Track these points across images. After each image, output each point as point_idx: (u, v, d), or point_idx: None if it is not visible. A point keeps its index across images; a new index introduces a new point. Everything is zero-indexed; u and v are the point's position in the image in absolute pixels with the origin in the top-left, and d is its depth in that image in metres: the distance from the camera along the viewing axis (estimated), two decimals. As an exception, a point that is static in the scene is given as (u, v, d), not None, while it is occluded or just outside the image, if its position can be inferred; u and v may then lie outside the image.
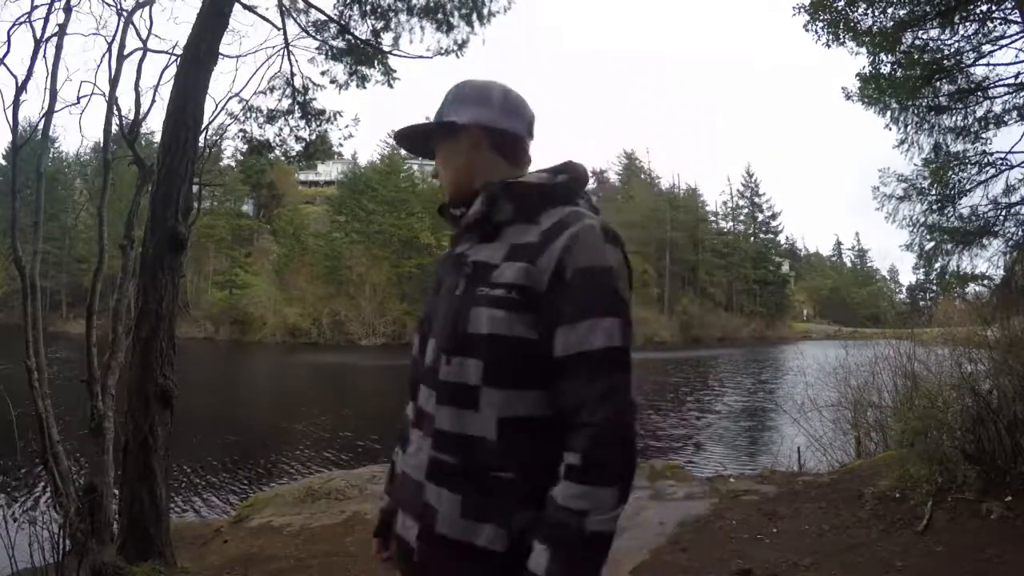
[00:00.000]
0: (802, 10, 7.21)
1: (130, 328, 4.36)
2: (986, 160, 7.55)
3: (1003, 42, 6.96)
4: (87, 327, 5.14)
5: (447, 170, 1.10)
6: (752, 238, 60.27)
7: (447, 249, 1.16)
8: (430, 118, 1.14)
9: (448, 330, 0.98)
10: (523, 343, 0.93)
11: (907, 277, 65.56)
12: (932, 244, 8.06)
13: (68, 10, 5.39)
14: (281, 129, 6.90)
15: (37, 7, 5.34)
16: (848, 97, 7.76)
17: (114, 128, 5.77)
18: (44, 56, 5.31)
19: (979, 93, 7.38)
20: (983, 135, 7.50)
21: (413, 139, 1.16)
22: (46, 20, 5.32)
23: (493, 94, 1.09)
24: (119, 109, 5.79)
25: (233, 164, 34.46)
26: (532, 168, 1.11)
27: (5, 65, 5.27)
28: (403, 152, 55.06)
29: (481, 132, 1.07)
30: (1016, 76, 7.12)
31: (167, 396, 3.95)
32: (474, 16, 5.89)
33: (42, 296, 7.39)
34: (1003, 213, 7.60)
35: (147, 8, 6.03)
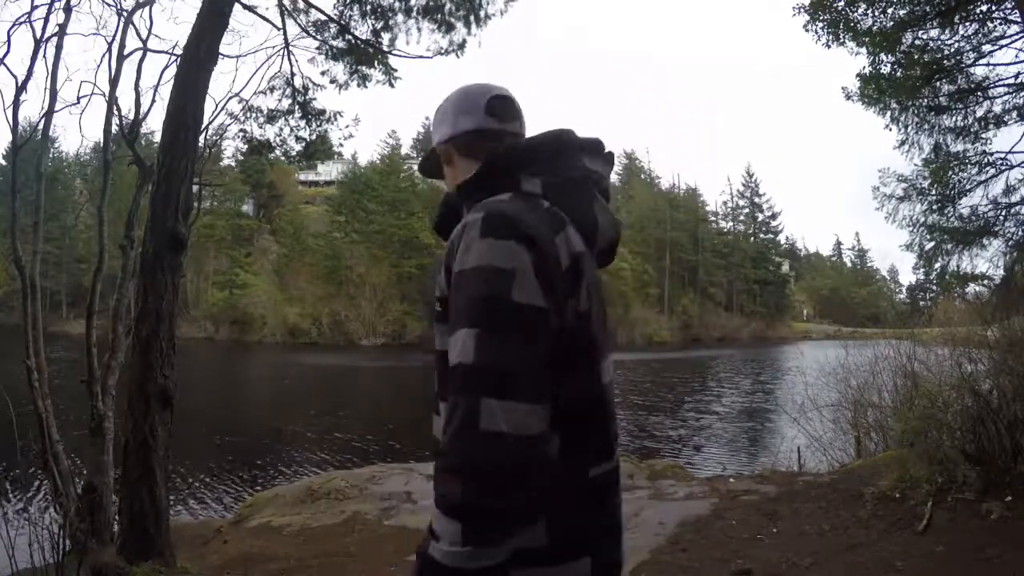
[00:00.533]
0: (802, 10, 7.21)
1: (130, 328, 4.37)
2: (986, 160, 7.55)
3: (1003, 42, 6.96)
4: (87, 327, 5.15)
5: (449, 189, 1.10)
6: (752, 238, 60.31)
7: None
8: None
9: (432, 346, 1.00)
10: (444, 355, 0.88)
11: (907, 277, 65.56)
12: (932, 244, 8.06)
13: (68, 10, 5.40)
14: (281, 129, 6.92)
15: (37, 7, 5.35)
16: (848, 97, 7.77)
17: (114, 128, 5.77)
18: (44, 56, 5.32)
19: (979, 93, 7.38)
20: (983, 135, 7.51)
21: (434, 170, 1.16)
22: (46, 20, 5.33)
23: (448, 104, 1.08)
24: (119, 109, 5.80)
25: (233, 164, 34.46)
26: None
27: (5, 65, 5.28)
28: (403, 152, 55.28)
29: (447, 146, 1.06)
30: (1016, 76, 7.13)
31: (167, 396, 3.95)
32: (471, 17, 5.92)
33: (42, 296, 7.39)
34: (1003, 213, 7.60)
35: (147, 8, 6.04)
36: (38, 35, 5.30)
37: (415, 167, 49.89)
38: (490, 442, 0.74)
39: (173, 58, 5.75)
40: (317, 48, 6.37)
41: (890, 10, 6.98)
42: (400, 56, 6.21)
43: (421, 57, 6.08)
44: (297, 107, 6.74)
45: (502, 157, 0.95)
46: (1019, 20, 6.67)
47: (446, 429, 0.77)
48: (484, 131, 1.03)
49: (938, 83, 7.38)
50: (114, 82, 5.70)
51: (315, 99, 6.77)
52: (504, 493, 0.74)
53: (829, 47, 7.22)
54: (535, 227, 0.83)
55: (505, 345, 0.76)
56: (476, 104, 1.04)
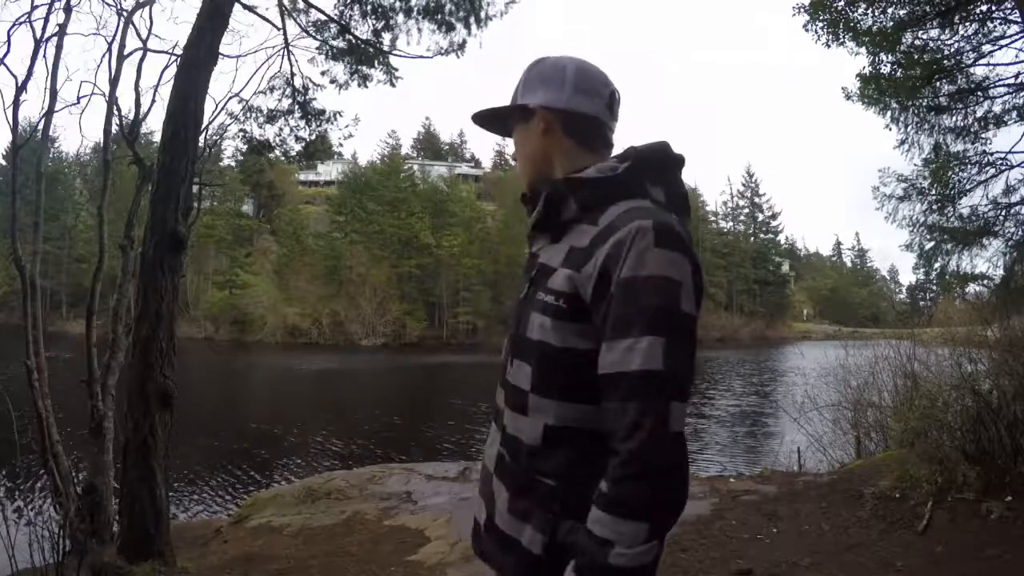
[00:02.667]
0: (802, 10, 7.20)
1: (130, 328, 4.37)
2: (986, 160, 7.54)
3: (1003, 42, 6.95)
4: (87, 327, 5.15)
5: (521, 155, 1.06)
6: (752, 238, 60.29)
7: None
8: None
9: (512, 332, 0.99)
10: (572, 353, 0.88)
11: (907, 277, 65.63)
12: (932, 244, 8.05)
13: (68, 10, 5.41)
14: (281, 129, 6.92)
15: (37, 7, 5.36)
16: (848, 97, 7.75)
17: (114, 128, 5.78)
18: (44, 56, 5.33)
19: (979, 93, 7.37)
20: (983, 135, 7.49)
21: (492, 121, 1.11)
22: (46, 20, 5.34)
23: (566, 72, 1.00)
24: (119, 109, 5.81)
25: (233, 164, 34.45)
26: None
27: (5, 65, 5.29)
28: (403, 152, 55.18)
29: (551, 115, 0.99)
30: (1016, 76, 7.12)
31: (167, 396, 3.95)
32: (471, 19, 5.92)
33: (42, 296, 7.39)
34: (1003, 213, 7.59)
35: (147, 8, 6.05)
36: (38, 35, 5.31)
37: (416, 167, 50.06)
38: (677, 442, 0.83)
39: (173, 58, 5.77)
40: (317, 48, 6.38)
41: (890, 10, 6.97)
42: (400, 56, 6.22)
43: (421, 57, 6.09)
44: (297, 107, 6.75)
45: (652, 162, 0.96)
46: (1019, 20, 6.66)
47: (634, 433, 0.80)
48: (601, 123, 1.01)
49: (938, 83, 7.37)
50: (114, 82, 5.70)
51: (315, 99, 6.79)
52: (685, 486, 0.85)
53: (829, 47, 7.21)
54: (689, 239, 0.90)
55: (682, 352, 0.82)
56: (598, 91, 1.00)
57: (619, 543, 0.79)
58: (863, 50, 7.19)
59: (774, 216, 60.97)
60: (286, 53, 6.35)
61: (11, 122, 5.19)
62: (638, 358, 0.80)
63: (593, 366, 0.85)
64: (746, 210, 60.90)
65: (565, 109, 0.99)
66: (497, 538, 0.98)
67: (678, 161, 1.01)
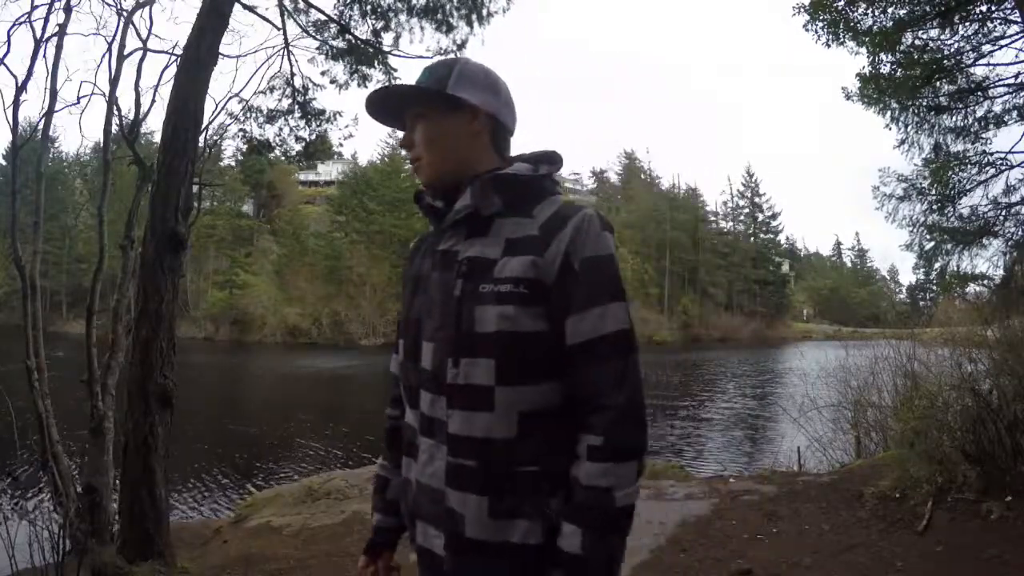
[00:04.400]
0: (802, 10, 7.21)
1: (130, 328, 4.37)
2: (986, 160, 7.55)
3: (1003, 42, 6.96)
4: (87, 327, 5.16)
5: (433, 149, 1.01)
6: (752, 238, 60.27)
7: (418, 245, 1.12)
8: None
9: (450, 332, 0.95)
10: (533, 336, 0.92)
11: (907, 277, 65.57)
12: (932, 244, 8.07)
13: (68, 10, 5.42)
14: (281, 129, 6.92)
15: (37, 7, 5.37)
16: (848, 97, 7.77)
17: (114, 128, 5.78)
18: (44, 56, 5.34)
19: (979, 93, 7.38)
20: (983, 135, 7.51)
21: (388, 101, 1.06)
22: (46, 20, 5.35)
23: (500, 84, 1.05)
24: (119, 109, 5.82)
25: (233, 164, 34.45)
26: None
27: (5, 65, 5.30)
28: (404, 152, 55.29)
29: (489, 120, 1.02)
30: (1016, 76, 7.13)
31: (167, 396, 3.94)
32: (473, 16, 5.91)
33: (42, 296, 7.39)
34: (1003, 213, 7.60)
35: (147, 8, 6.06)
36: (38, 35, 5.32)
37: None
38: (642, 386, 0.94)
39: (173, 58, 5.79)
40: (317, 48, 6.38)
41: (890, 10, 6.98)
42: (400, 56, 6.22)
43: (421, 57, 6.08)
44: (297, 107, 6.75)
45: (561, 166, 1.06)
46: (1019, 20, 6.67)
47: (620, 388, 0.91)
48: (510, 135, 1.08)
49: (938, 83, 7.38)
50: (114, 82, 5.71)
51: (315, 99, 6.79)
52: (648, 428, 0.95)
53: (829, 47, 7.24)
54: None
55: (629, 311, 0.96)
56: (512, 107, 1.07)
57: (618, 487, 0.89)
58: (863, 50, 7.21)
59: (774, 216, 60.95)
60: (286, 53, 6.36)
61: (11, 122, 5.20)
62: (610, 321, 0.92)
63: (551, 345, 0.92)
64: (746, 210, 60.87)
65: (496, 116, 1.03)
66: (474, 552, 0.94)
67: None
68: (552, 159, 1.03)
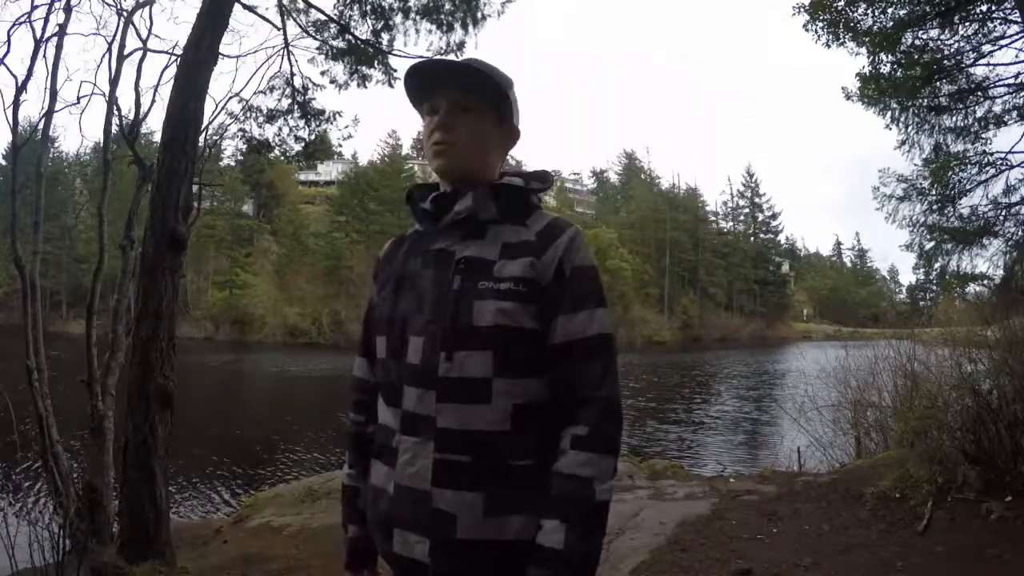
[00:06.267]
0: (802, 10, 7.21)
1: (130, 328, 4.37)
2: (986, 160, 7.54)
3: (1003, 42, 6.96)
4: (87, 327, 5.15)
5: (472, 143, 1.04)
6: (752, 238, 60.31)
7: (396, 246, 1.14)
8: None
9: (446, 325, 0.96)
10: (528, 332, 0.96)
11: (907, 277, 65.65)
12: (932, 244, 8.06)
13: (68, 10, 5.41)
14: (281, 129, 6.91)
15: (37, 7, 5.36)
16: (848, 97, 7.76)
17: (114, 128, 5.78)
18: (44, 56, 5.33)
19: (979, 93, 7.37)
20: (983, 135, 7.50)
21: (454, 75, 1.04)
22: (46, 20, 5.34)
23: (517, 101, 1.12)
24: (119, 109, 5.81)
25: (233, 164, 34.38)
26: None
27: (5, 65, 5.29)
28: (403, 152, 55.22)
29: (512, 132, 1.11)
30: (1016, 76, 7.12)
31: (167, 396, 3.94)
32: (468, 19, 5.93)
33: (42, 296, 7.39)
34: (1003, 213, 7.60)
35: (147, 8, 6.06)
36: (38, 35, 5.31)
37: (417, 167, 50.01)
38: (619, 387, 1.00)
39: (173, 58, 5.77)
40: (317, 48, 6.38)
41: (890, 10, 6.98)
42: (400, 56, 6.22)
43: (421, 57, 6.08)
44: (297, 107, 6.74)
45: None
46: (1019, 20, 6.67)
47: (603, 384, 0.96)
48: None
49: (938, 83, 7.38)
50: (114, 82, 5.71)
51: (315, 99, 6.78)
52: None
53: (829, 47, 7.23)
54: None
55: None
56: None
57: (598, 479, 0.92)
58: (863, 50, 7.21)
59: (774, 216, 61.03)
60: (286, 53, 6.35)
61: (11, 122, 5.19)
62: (596, 325, 0.98)
63: (540, 343, 0.97)
64: (746, 210, 60.95)
65: (518, 132, 1.12)
66: (464, 554, 0.92)
67: None
68: (543, 179, 1.09)
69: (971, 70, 7.31)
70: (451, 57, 6.04)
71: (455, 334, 0.95)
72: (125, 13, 5.85)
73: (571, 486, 0.91)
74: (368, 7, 6.01)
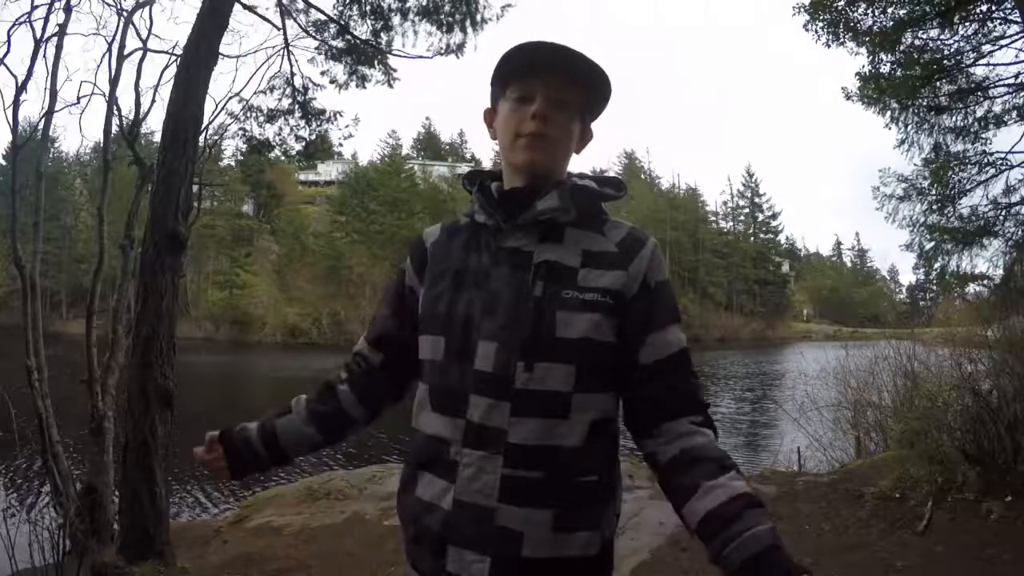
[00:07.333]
0: (802, 10, 7.21)
1: (130, 328, 4.37)
2: (986, 160, 7.55)
3: (1003, 42, 6.95)
4: (87, 327, 5.15)
5: (564, 141, 0.98)
6: (752, 238, 60.34)
7: (448, 235, 1.04)
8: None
9: (526, 333, 0.89)
10: (609, 346, 0.92)
11: (907, 277, 65.70)
12: (932, 244, 8.06)
13: (68, 10, 5.42)
14: (281, 129, 6.93)
15: (37, 7, 5.37)
16: (848, 97, 7.76)
17: (114, 128, 5.78)
18: (44, 56, 5.33)
19: (979, 93, 7.37)
20: (983, 135, 7.50)
21: (576, 74, 0.96)
22: (46, 20, 5.34)
23: None
24: (119, 109, 5.81)
25: (233, 164, 34.47)
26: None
27: (5, 65, 5.29)
28: (404, 152, 55.19)
29: (591, 131, 1.07)
30: (1016, 76, 7.12)
31: (167, 396, 3.94)
32: (467, 21, 5.94)
33: (42, 296, 7.39)
34: (1003, 213, 7.60)
35: (147, 8, 6.06)
36: (38, 35, 5.32)
37: (416, 167, 50.07)
38: None
39: (173, 58, 5.78)
40: (317, 48, 6.39)
41: (890, 10, 6.97)
42: (400, 56, 6.23)
43: (421, 57, 6.10)
44: (297, 107, 6.75)
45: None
46: (1019, 20, 6.66)
47: (700, 398, 0.96)
48: None
49: (938, 83, 7.37)
50: (114, 82, 5.70)
51: (315, 99, 6.79)
52: None
53: (829, 47, 7.23)
54: None
55: None
56: None
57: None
58: (863, 50, 7.20)
59: (774, 216, 61.09)
60: (286, 53, 6.36)
61: (11, 122, 5.20)
62: (681, 338, 0.97)
63: (617, 357, 0.93)
64: (746, 210, 61.01)
65: (592, 134, 1.07)
66: (529, 571, 0.88)
67: None
68: (618, 186, 1.04)
69: (971, 70, 7.31)
70: (452, 58, 6.06)
71: (537, 343, 0.89)
72: (125, 13, 5.86)
73: (721, 452, 0.91)
74: (368, 7, 6.02)
